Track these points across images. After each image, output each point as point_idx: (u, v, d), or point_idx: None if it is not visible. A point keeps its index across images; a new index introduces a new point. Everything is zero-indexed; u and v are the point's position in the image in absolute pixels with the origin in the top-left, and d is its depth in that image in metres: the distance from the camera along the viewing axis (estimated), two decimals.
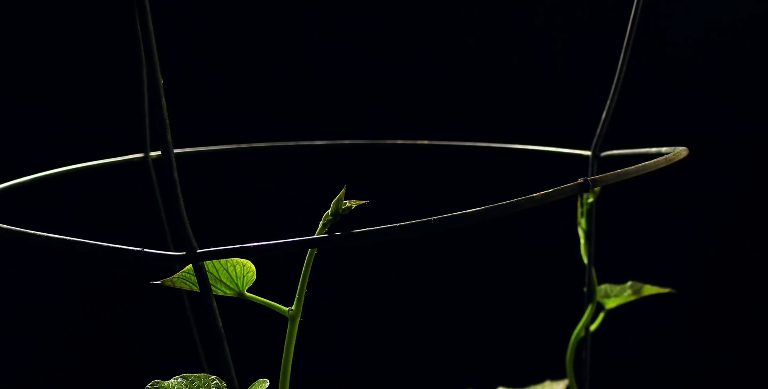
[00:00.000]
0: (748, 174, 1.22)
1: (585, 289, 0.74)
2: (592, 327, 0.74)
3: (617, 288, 0.76)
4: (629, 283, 0.77)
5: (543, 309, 1.22)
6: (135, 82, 0.75)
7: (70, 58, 1.18)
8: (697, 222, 1.23)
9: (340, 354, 1.26)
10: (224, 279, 0.47)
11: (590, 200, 0.72)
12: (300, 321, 0.48)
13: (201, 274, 0.42)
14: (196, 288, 0.45)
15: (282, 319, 0.48)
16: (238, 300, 0.47)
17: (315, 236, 0.46)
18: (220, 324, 0.45)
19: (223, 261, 0.46)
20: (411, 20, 1.22)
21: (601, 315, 0.74)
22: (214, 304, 0.44)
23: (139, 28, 0.39)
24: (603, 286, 0.76)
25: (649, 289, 0.77)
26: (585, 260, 0.72)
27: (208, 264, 0.45)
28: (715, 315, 1.26)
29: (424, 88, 1.23)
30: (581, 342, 0.74)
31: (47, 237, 0.42)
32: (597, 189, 0.70)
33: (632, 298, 0.76)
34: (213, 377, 0.45)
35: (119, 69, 1.17)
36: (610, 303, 0.75)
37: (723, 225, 1.24)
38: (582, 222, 0.72)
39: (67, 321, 1.23)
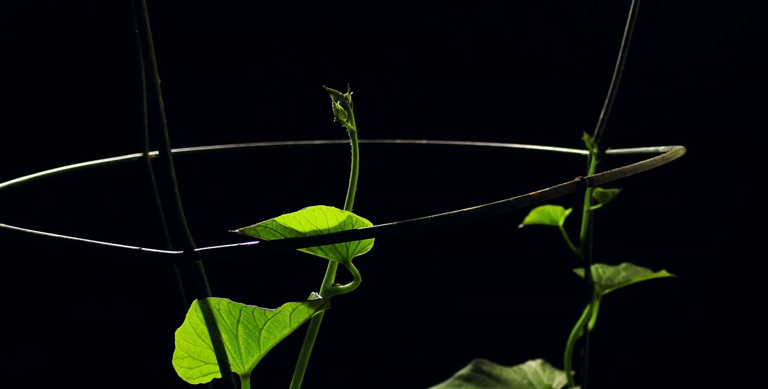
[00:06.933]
0: (748, 174, 1.22)
1: (580, 272, 0.73)
2: (590, 324, 0.74)
3: (611, 269, 0.75)
4: (623, 265, 0.76)
5: (543, 307, 1.23)
6: (133, 81, 0.75)
7: (70, 58, 1.18)
8: (698, 222, 1.23)
9: (343, 350, 1.26)
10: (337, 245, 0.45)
11: (588, 199, 0.72)
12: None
13: (198, 273, 0.42)
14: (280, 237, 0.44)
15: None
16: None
17: (313, 235, 0.46)
18: (218, 322, 0.45)
19: (342, 216, 0.44)
20: (410, 20, 1.22)
21: (597, 305, 0.73)
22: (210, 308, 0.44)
23: (137, 27, 0.39)
24: (596, 266, 0.75)
25: (644, 273, 0.75)
26: (579, 252, 0.72)
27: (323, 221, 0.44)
28: (714, 314, 1.26)
29: (424, 87, 1.23)
30: (580, 341, 0.74)
31: (47, 237, 0.42)
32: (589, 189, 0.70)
33: (626, 283, 0.74)
34: None
35: (118, 69, 1.17)
36: (606, 289, 0.74)
37: (723, 225, 1.24)
38: (584, 220, 0.72)
39: (66, 321, 1.23)
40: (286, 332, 0.44)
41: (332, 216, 0.44)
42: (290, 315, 0.44)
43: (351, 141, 0.49)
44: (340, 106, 0.49)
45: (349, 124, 0.49)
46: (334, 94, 0.49)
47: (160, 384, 1.19)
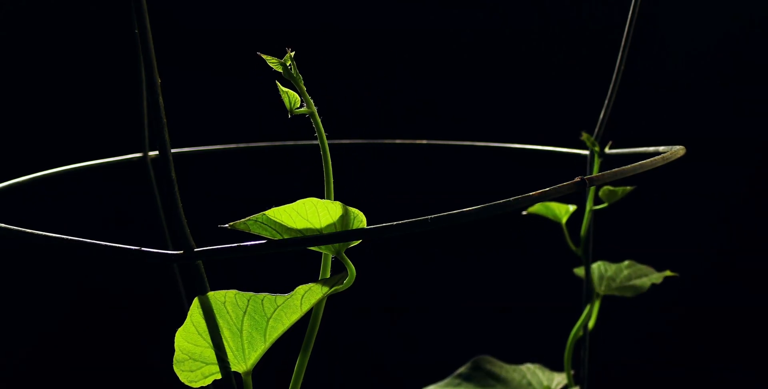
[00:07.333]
0: (748, 174, 1.22)
1: (580, 271, 0.73)
2: (590, 324, 0.74)
3: (613, 267, 0.74)
4: (626, 262, 0.75)
5: (543, 307, 1.22)
6: (133, 81, 0.75)
7: (70, 58, 1.18)
8: (698, 222, 1.23)
9: (343, 349, 1.26)
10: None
11: (590, 198, 0.72)
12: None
13: (198, 273, 0.42)
14: (275, 236, 0.43)
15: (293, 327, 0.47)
16: None
17: (313, 235, 0.46)
18: (221, 318, 0.45)
19: (334, 208, 0.43)
20: (410, 20, 1.22)
21: (597, 305, 0.73)
22: (212, 304, 0.44)
23: (137, 27, 0.39)
24: (597, 264, 0.74)
25: (646, 271, 0.74)
26: (580, 253, 0.72)
27: (313, 216, 0.43)
28: (714, 314, 1.26)
29: (424, 87, 1.23)
30: (580, 341, 0.74)
31: (47, 237, 0.42)
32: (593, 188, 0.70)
33: (628, 294, 0.73)
34: None
35: (118, 69, 1.17)
36: (606, 291, 0.73)
37: (723, 225, 1.24)
38: (585, 219, 0.72)
39: (66, 321, 1.23)
40: (294, 318, 0.44)
41: (323, 208, 0.44)
42: (302, 298, 0.43)
43: (313, 122, 0.47)
44: (284, 91, 0.46)
45: (304, 108, 0.47)
46: (270, 59, 0.45)
47: (160, 384, 1.19)
